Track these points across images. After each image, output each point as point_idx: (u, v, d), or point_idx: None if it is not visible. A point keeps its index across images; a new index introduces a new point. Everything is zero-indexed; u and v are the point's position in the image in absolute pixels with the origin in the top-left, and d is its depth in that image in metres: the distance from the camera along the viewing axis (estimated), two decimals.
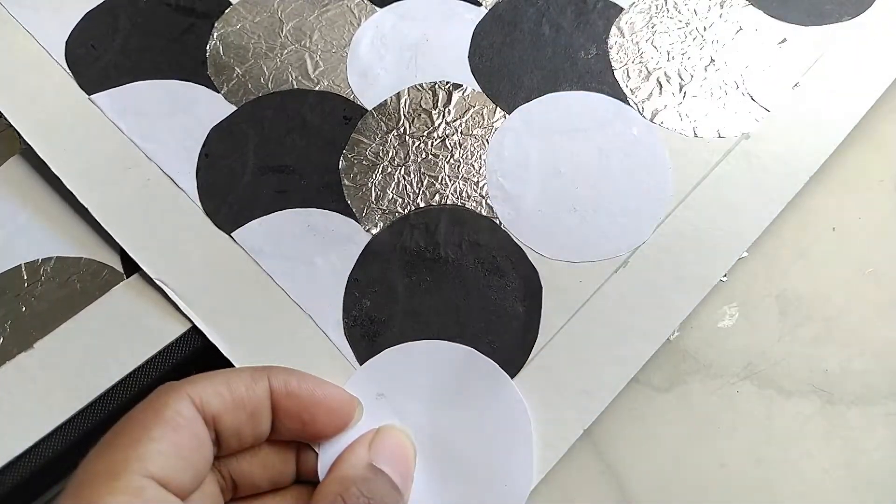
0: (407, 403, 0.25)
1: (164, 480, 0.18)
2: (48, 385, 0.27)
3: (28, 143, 0.31)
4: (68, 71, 0.33)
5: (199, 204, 0.30)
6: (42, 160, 0.30)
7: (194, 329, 0.27)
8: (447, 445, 0.25)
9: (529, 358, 0.27)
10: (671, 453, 0.27)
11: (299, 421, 0.22)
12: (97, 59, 0.33)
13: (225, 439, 0.21)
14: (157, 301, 0.28)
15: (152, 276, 0.28)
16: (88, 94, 0.32)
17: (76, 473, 0.19)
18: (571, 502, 0.26)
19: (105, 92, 0.33)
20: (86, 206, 0.29)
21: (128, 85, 0.33)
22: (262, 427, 0.22)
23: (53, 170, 0.30)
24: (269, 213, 0.30)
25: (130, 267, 0.29)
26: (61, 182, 0.30)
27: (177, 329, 0.28)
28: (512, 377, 0.27)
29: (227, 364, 0.27)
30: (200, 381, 0.21)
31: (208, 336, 0.27)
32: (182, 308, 0.28)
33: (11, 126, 0.31)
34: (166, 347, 0.27)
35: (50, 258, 0.30)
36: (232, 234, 0.29)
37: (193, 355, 0.28)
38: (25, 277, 0.29)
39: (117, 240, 0.29)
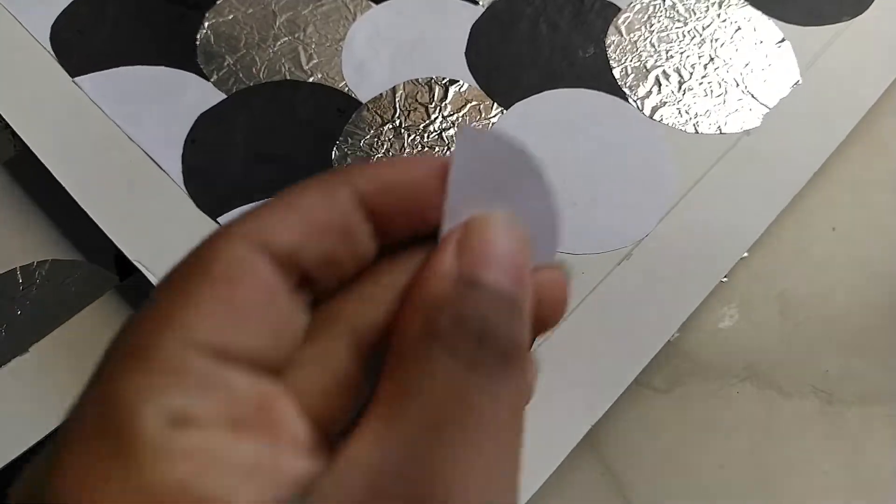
0: None
1: (220, 348, 0.13)
2: (43, 389, 0.26)
3: (22, 146, 0.30)
4: (52, 54, 0.32)
5: (183, 188, 0.29)
6: (39, 161, 0.29)
7: None
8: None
9: (530, 351, 0.26)
10: (671, 454, 0.27)
11: (408, 215, 0.16)
12: (83, 44, 0.33)
13: (318, 276, 0.15)
14: None
15: (130, 258, 0.27)
16: (72, 76, 0.31)
17: (99, 362, 0.14)
18: (571, 503, 0.25)
19: (89, 75, 0.32)
20: (64, 185, 0.28)
21: (113, 69, 0.32)
22: (361, 245, 0.15)
23: (33, 149, 0.29)
24: (259, 201, 0.29)
25: (125, 271, 0.29)
26: (57, 186, 0.29)
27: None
28: None
29: None
30: (258, 215, 0.15)
31: None
32: None
33: (4, 129, 0.30)
34: None
35: (45, 262, 0.29)
36: (217, 220, 0.28)
37: None
38: (21, 281, 0.29)
39: (95, 220, 0.28)
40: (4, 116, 0.30)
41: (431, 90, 0.32)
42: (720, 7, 0.34)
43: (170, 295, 0.14)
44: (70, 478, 0.12)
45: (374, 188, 0.15)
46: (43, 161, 0.29)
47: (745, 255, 0.29)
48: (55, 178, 0.29)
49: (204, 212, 0.29)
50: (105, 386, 0.13)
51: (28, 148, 0.29)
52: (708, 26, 0.34)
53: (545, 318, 0.16)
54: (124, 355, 0.13)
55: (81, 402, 0.14)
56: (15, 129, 0.30)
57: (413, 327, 0.14)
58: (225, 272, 0.14)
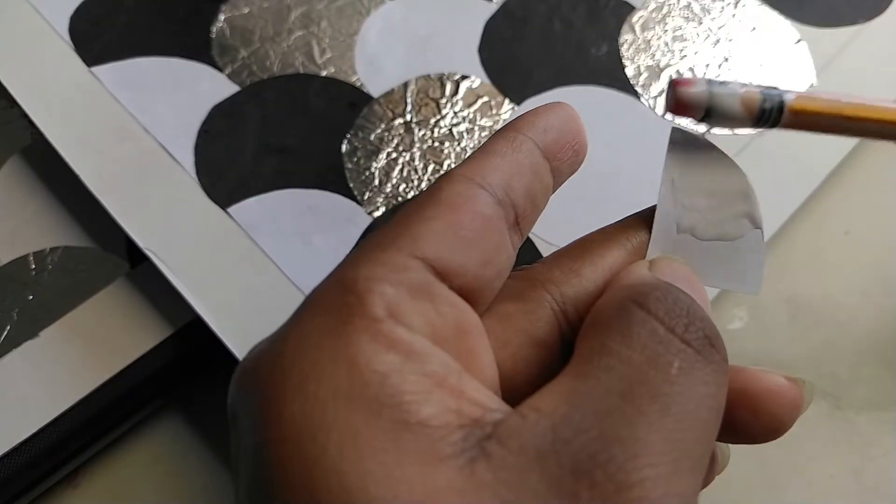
0: None
1: (439, 263, 0.15)
2: (53, 373, 0.27)
3: (38, 134, 0.30)
4: (71, 44, 0.32)
5: (195, 178, 0.29)
6: (55, 149, 0.30)
7: (200, 319, 0.26)
8: None
9: None
10: None
11: (566, 149, 0.18)
12: (101, 34, 0.33)
13: (523, 211, 0.17)
14: (162, 291, 0.27)
15: (141, 246, 0.27)
16: (89, 66, 0.32)
17: (347, 255, 0.16)
18: None
19: (105, 65, 0.32)
20: (78, 173, 0.29)
21: (129, 60, 0.32)
22: (545, 180, 0.18)
23: (48, 137, 0.29)
24: (269, 192, 0.29)
25: (136, 257, 0.29)
26: (72, 174, 0.29)
27: (181, 319, 0.27)
28: None
29: (230, 355, 0.26)
30: (470, 162, 0.17)
31: (195, 308, 0.26)
32: (170, 278, 0.26)
33: (22, 118, 0.31)
34: (170, 337, 0.27)
35: (57, 248, 0.29)
36: (228, 210, 0.28)
37: (198, 345, 0.27)
38: (33, 266, 0.29)
39: (107, 208, 0.28)
40: (21, 105, 0.31)
41: (443, 86, 0.32)
42: (735, 7, 0.34)
43: (406, 214, 0.15)
44: (293, 340, 0.14)
45: (540, 131, 0.17)
46: (58, 149, 0.29)
47: None
48: (69, 167, 0.29)
49: (214, 202, 0.29)
50: (344, 270, 0.14)
51: (44, 136, 0.30)
52: (723, 26, 0.33)
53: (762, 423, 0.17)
54: (363, 250, 0.15)
55: (324, 281, 0.15)
56: (31, 117, 0.30)
57: (618, 297, 0.15)
58: (450, 200, 0.15)
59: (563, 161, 0.18)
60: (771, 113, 0.16)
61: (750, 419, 0.17)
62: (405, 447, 0.12)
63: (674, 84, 0.16)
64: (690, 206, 0.17)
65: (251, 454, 0.13)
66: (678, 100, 0.15)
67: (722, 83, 0.16)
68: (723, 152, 0.17)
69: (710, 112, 0.16)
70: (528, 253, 0.28)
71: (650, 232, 0.18)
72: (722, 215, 0.17)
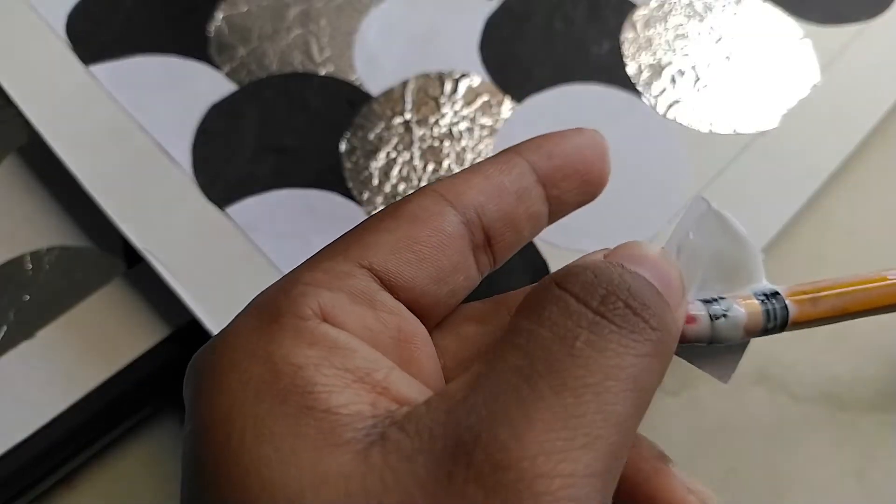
0: None
1: (386, 274, 0.15)
2: (50, 374, 0.26)
3: (34, 133, 0.30)
4: (67, 42, 0.32)
5: (193, 177, 0.29)
6: (51, 149, 0.29)
7: (197, 320, 0.26)
8: None
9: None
10: (679, 457, 0.26)
11: (571, 179, 0.17)
12: (98, 33, 0.33)
13: (498, 234, 0.17)
14: (159, 291, 0.27)
15: (138, 246, 0.27)
16: (86, 64, 0.32)
17: None
18: None
19: (103, 64, 0.32)
20: (74, 173, 0.28)
21: (127, 58, 0.32)
22: (534, 205, 0.17)
23: (44, 137, 0.29)
24: (267, 192, 0.29)
25: (133, 257, 0.29)
26: (68, 173, 0.29)
27: (179, 320, 0.27)
28: None
29: None
30: (450, 178, 0.16)
31: (193, 309, 0.26)
32: (167, 279, 0.26)
33: (18, 116, 0.31)
34: (168, 338, 0.27)
35: (54, 248, 0.29)
36: (226, 209, 0.28)
37: (196, 347, 0.27)
38: (30, 266, 0.29)
39: (104, 207, 0.28)
40: (18, 104, 0.30)
41: (443, 84, 0.32)
42: (738, 4, 0.33)
43: (366, 223, 0.16)
44: (226, 338, 0.14)
45: (542, 156, 0.17)
46: (54, 149, 0.29)
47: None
48: (66, 166, 0.29)
49: (212, 202, 0.29)
50: (289, 275, 0.15)
51: (40, 135, 0.30)
52: (725, 23, 0.33)
53: None
54: (315, 256, 0.16)
55: (272, 284, 0.15)
56: (28, 116, 0.30)
57: (546, 280, 0.15)
58: (413, 213, 0.16)
59: (566, 190, 0.17)
60: (774, 329, 0.16)
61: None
62: (304, 433, 0.13)
63: None
64: (690, 277, 0.16)
65: (182, 443, 0.14)
66: (682, 338, 0.16)
67: (723, 310, 0.16)
68: (746, 241, 0.17)
69: (714, 341, 0.16)
70: (529, 254, 0.28)
71: None
72: (724, 277, 0.16)
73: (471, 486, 0.12)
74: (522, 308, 0.14)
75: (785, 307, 0.16)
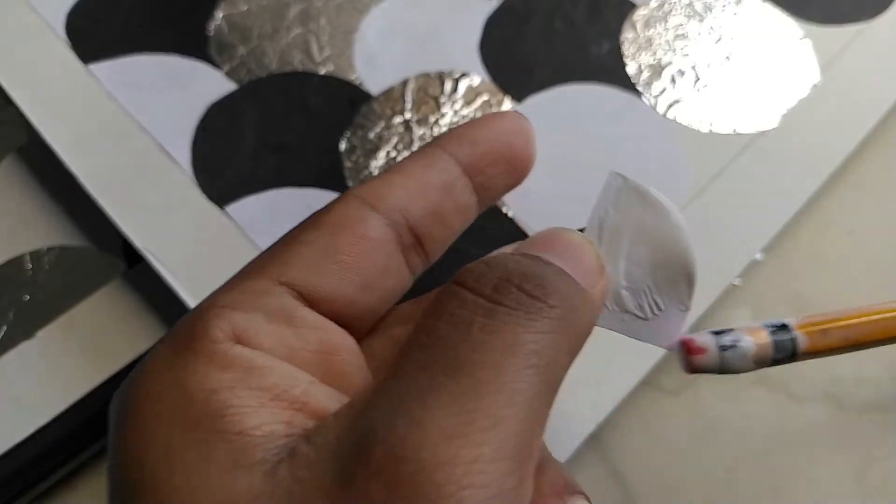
0: None
1: (305, 289, 0.15)
2: (49, 374, 0.26)
3: (34, 133, 0.30)
4: (67, 41, 0.32)
5: (193, 176, 0.29)
6: (51, 148, 0.29)
7: None
8: None
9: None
10: (678, 457, 0.26)
11: (497, 166, 0.17)
12: (98, 32, 0.33)
13: (427, 231, 0.16)
14: (159, 291, 0.27)
15: (137, 245, 0.27)
16: (86, 63, 0.31)
17: None
18: None
19: (102, 63, 0.32)
20: (74, 172, 0.28)
21: (126, 57, 0.32)
22: (462, 198, 0.17)
23: (44, 136, 0.29)
24: (267, 191, 0.29)
25: (133, 257, 0.29)
26: (68, 173, 0.29)
27: (179, 319, 0.27)
28: None
29: None
30: (371, 181, 0.16)
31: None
32: (167, 278, 0.26)
33: (18, 116, 0.31)
34: None
35: (54, 247, 0.29)
36: (226, 209, 0.28)
37: None
38: (29, 266, 0.29)
39: (104, 207, 0.28)
40: (17, 103, 0.30)
41: (443, 83, 0.32)
42: (738, 4, 0.34)
43: (286, 237, 0.15)
44: (144, 368, 0.14)
45: (465, 146, 0.17)
46: (54, 148, 0.29)
47: (760, 257, 0.29)
48: (66, 166, 0.29)
49: (212, 201, 0.29)
50: (207, 299, 0.15)
51: (39, 135, 0.30)
52: (725, 24, 0.33)
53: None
54: (234, 277, 0.15)
55: (194, 307, 0.15)
56: (27, 116, 0.30)
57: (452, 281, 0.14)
58: (333, 222, 0.15)
59: (492, 176, 0.17)
60: (783, 360, 0.16)
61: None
62: (215, 457, 0.12)
63: (685, 350, 0.16)
64: (615, 236, 0.17)
65: (106, 478, 0.14)
66: (692, 368, 0.16)
67: (732, 341, 0.16)
68: (665, 207, 0.17)
69: (724, 372, 0.16)
70: None
71: None
72: (648, 245, 0.17)
73: (372, 484, 0.11)
74: (426, 309, 0.14)
75: (794, 339, 0.16)
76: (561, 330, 0.13)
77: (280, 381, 0.14)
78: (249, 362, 0.14)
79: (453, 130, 0.17)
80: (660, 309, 0.16)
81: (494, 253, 0.15)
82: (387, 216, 0.16)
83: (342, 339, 0.15)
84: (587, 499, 0.15)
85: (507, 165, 0.17)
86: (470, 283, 0.14)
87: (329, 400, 0.14)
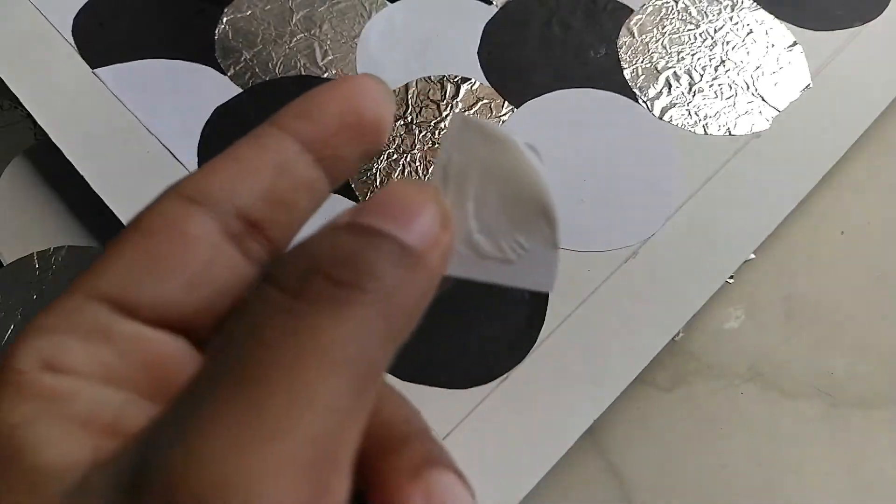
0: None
1: (122, 300, 0.13)
2: None
3: (42, 135, 0.31)
4: (74, 46, 0.33)
5: None
6: (59, 150, 0.30)
7: None
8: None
9: (535, 345, 0.26)
10: (673, 453, 0.27)
11: (345, 134, 0.15)
12: (104, 36, 0.33)
13: (266, 216, 0.15)
14: None
15: None
16: (92, 68, 0.32)
17: None
18: (572, 501, 0.26)
19: (109, 67, 0.32)
20: (82, 174, 0.29)
21: (132, 62, 0.33)
22: (303, 174, 0.15)
23: (52, 138, 0.30)
24: None
25: None
26: (76, 175, 0.29)
27: None
28: (517, 363, 0.26)
29: None
30: (193, 173, 0.15)
31: None
32: None
33: (27, 118, 0.31)
34: None
35: (61, 248, 0.30)
36: None
37: None
38: (37, 266, 0.29)
39: (111, 208, 0.28)
40: (26, 106, 0.31)
41: (444, 88, 0.32)
42: (732, 10, 0.34)
43: (105, 248, 0.14)
44: None
45: (303, 120, 0.15)
46: (62, 150, 0.30)
47: (753, 256, 0.29)
48: (74, 167, 0.29)
49: None
50: (28, 324, 0.13)
51: (48, 137, 0.30)
52: (720, 29, 0.34)
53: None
54: (54, 300, 0.14)
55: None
56: (36, 118, 0.30)
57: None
58: (149, 224, 0.14)
59: (340, 146, 0.15)
60: None
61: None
62: (13, 495, 0.12)
63: None
64: (466, 177, 0.15)
65: None
66: None
67: None
68: (509, 140, 0.15)
69: None
70: None
71: None
72: (501, 182, 0.15)
73: None
74: (231, 311, 0.13)
75: None
76: (376, 316, 0.12)
77: (87, 407, 0.13)
78: (54, 391, 0.12)
79: (290, 105, 0.15)
80: (524, 248, 0.15)
81: (323, 224, 0.14)
82: (210, 207, 0.14)
83: (169, 346, 0.14)
84: (454, 471, 0.14)
85: (354, 133, 0.15)
86: (276, 277, 0.13)
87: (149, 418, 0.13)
